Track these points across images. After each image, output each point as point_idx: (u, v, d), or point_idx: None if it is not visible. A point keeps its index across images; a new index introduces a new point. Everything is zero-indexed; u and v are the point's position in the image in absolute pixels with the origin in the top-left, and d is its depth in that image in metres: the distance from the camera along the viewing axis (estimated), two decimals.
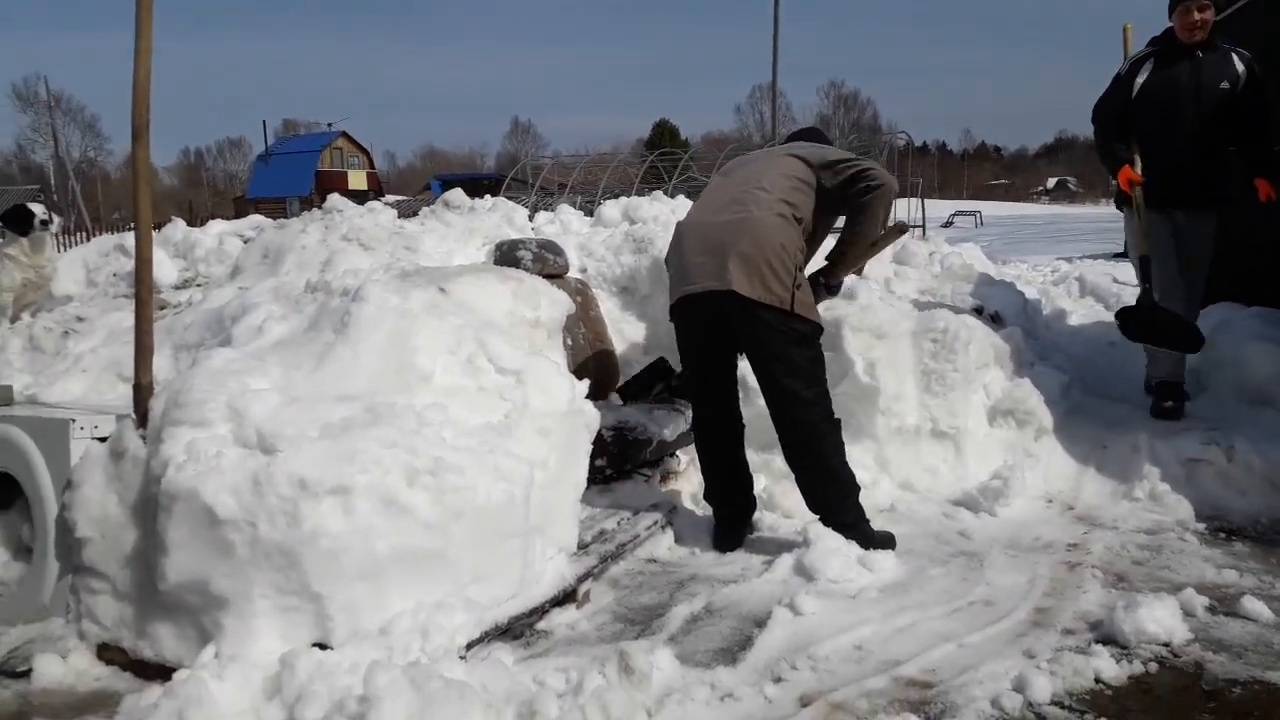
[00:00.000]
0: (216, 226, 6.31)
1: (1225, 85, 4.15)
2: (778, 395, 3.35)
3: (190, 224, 6.74)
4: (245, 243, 5.18)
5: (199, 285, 5.14)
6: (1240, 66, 4.20)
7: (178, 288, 5.18)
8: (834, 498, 3.37)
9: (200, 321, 3.64)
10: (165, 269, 5.20)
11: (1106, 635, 2.61)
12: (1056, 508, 3.90)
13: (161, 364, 3.58)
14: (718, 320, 3.33)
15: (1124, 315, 4.42)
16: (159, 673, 2.44)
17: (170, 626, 2.52)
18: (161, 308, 4.44)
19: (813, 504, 3.42)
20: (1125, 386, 4.98)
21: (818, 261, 3.81)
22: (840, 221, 3.73)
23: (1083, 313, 6.99)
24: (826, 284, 3.77)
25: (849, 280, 4.73)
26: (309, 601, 2.46)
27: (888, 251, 5.80)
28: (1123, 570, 3.13)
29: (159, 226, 7.20)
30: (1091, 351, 5.60)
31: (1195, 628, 2.65)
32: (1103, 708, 2.30)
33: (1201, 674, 2.44)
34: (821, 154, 3.54)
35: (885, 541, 3.36)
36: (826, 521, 3.33)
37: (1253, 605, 2.76)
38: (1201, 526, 3.55)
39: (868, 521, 3.39)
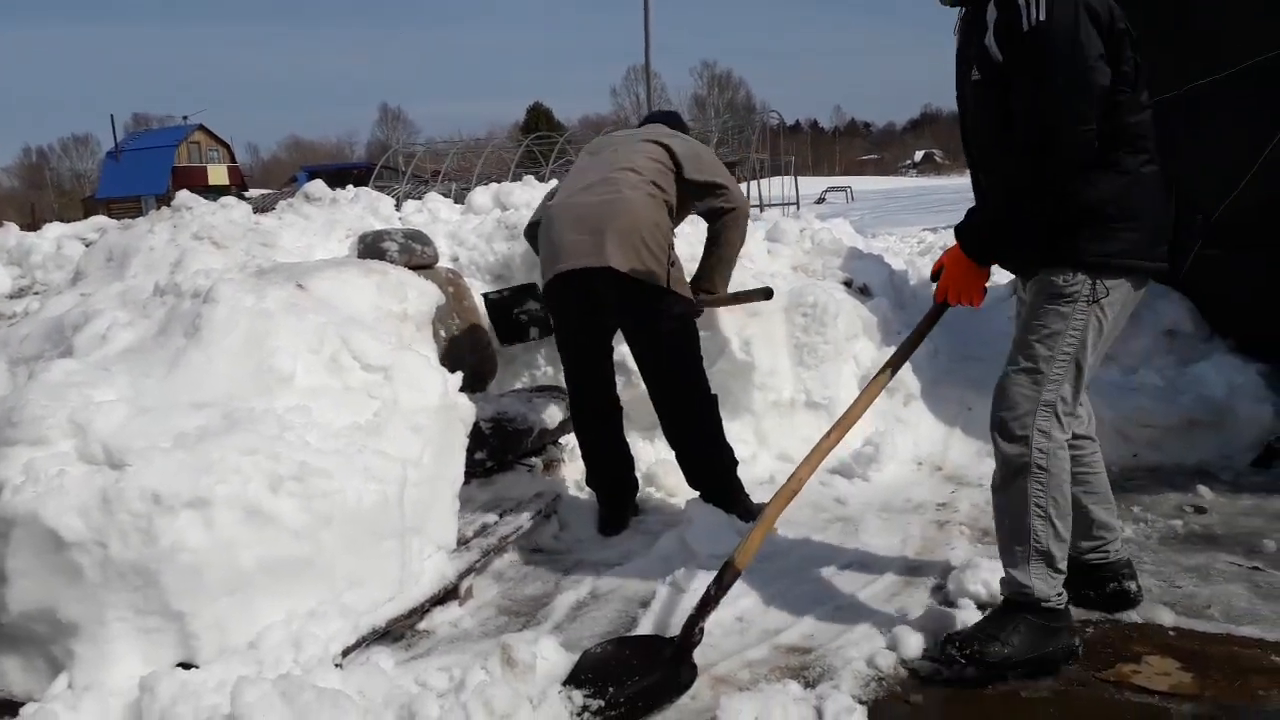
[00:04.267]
0: (54, 230, 5.92)
1: (975, 75, 2.32)
2: (656, 373, 3.37)
3: (33, 227, 6.32)
4: (87, 246, 4.88)
5: (36, 294, 4.82)
6: (991, 21, 2.20)
7: (12, 297, 4.85)
8: (714, 473, 3.41)
9: (38, 332, 3.39)
10: None
11: (967, 591, 2.72)
12: (926, 469, 4.06)
13: None
14: (594, 300, 3.32)
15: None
16: (5, 709, 2.28)
17: (16, 659, 2.35)
18: None
19: (693, 481, 3.46)
20: (986, 349, 5.19)
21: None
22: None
23: None
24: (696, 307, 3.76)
25: None
26: (171, 621, 2.34)
27: (760, 230, 5.91)
28: (987, 525, 3.27)
29: None
30: (956, 317, 5.74)
31: None
32: None
33: None
34: (689, 148, 3.55)
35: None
36: (707, 497, 3.37)
37: None
38: None
39: (748, 495, 3.45)
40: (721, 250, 3.65)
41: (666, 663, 2.34)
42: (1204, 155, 4.48)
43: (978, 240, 2.32)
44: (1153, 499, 3.54)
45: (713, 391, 3.48)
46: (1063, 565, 2.33)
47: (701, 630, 2.40)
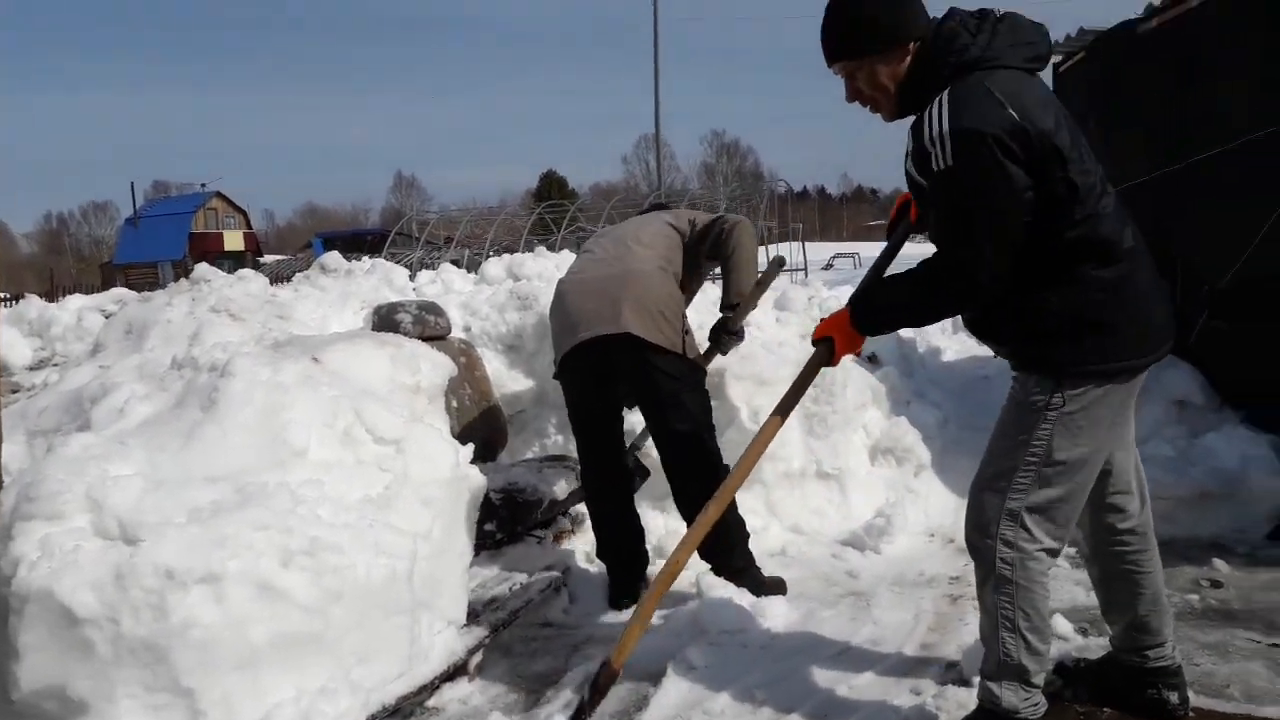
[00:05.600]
0: (75, 302, 6.03)
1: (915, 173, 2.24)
2: (672, 442, 3.38)
3: (51, 294, 6.43)
4: (107, 318, 4.96)
5: (56, 365, 4.89)
6: (910, 147, 2.19)
7: (32, 369, 4.91)
8: (725, 545, 3.39)
9: (57, 404, 3.45)
10: (18, 349, 4.94)
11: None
12: (938, 541, 4.03)
13: (15, 452, 3.38)
14: (608, 368, 3.35)
15: None
16: None
17: None
18: (14, 390, 4.20)
19: (705, 553, 3.44)
20: (995, 418, 5.19)
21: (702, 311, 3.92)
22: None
23: (956, 348, 7.28)
24: (728, 330, 3.76)
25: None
26: (180, 697, 2.32)
27: (770, 298, 5.96)
28: None
29: (15, 300, 6.84)
30: (965, 386, 5.83)
31: (1063, 651, 2.75)
32: None
33: (1070, 695, 2.54)
34: (680, 213, 3.70)
35: (776, 586, 3.40)
36: (718, 571, 3.35)
37: None
38: (1073, 551, 3.70)
39: (759, 568, 3.43)
40: (737, 255, 3.58)
41: None
42: (1208, 227, 4.54)
43: (870, 321, 2.38)
44: (1168, 572, 3.45)
45: (725, 462, 3.48)
46: (1037, 679, 2.25)
47: None
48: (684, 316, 3.44)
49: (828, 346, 2.44)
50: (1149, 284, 2.17)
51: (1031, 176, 2.03)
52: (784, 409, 2.61)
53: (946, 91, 2.05)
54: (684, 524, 3.52)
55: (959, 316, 2.45)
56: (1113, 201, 2.16)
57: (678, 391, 3.33)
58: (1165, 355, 2.24)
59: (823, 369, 2.57)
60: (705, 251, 3.64)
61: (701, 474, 3.38)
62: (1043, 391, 2.15)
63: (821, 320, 2.52)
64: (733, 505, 3.45)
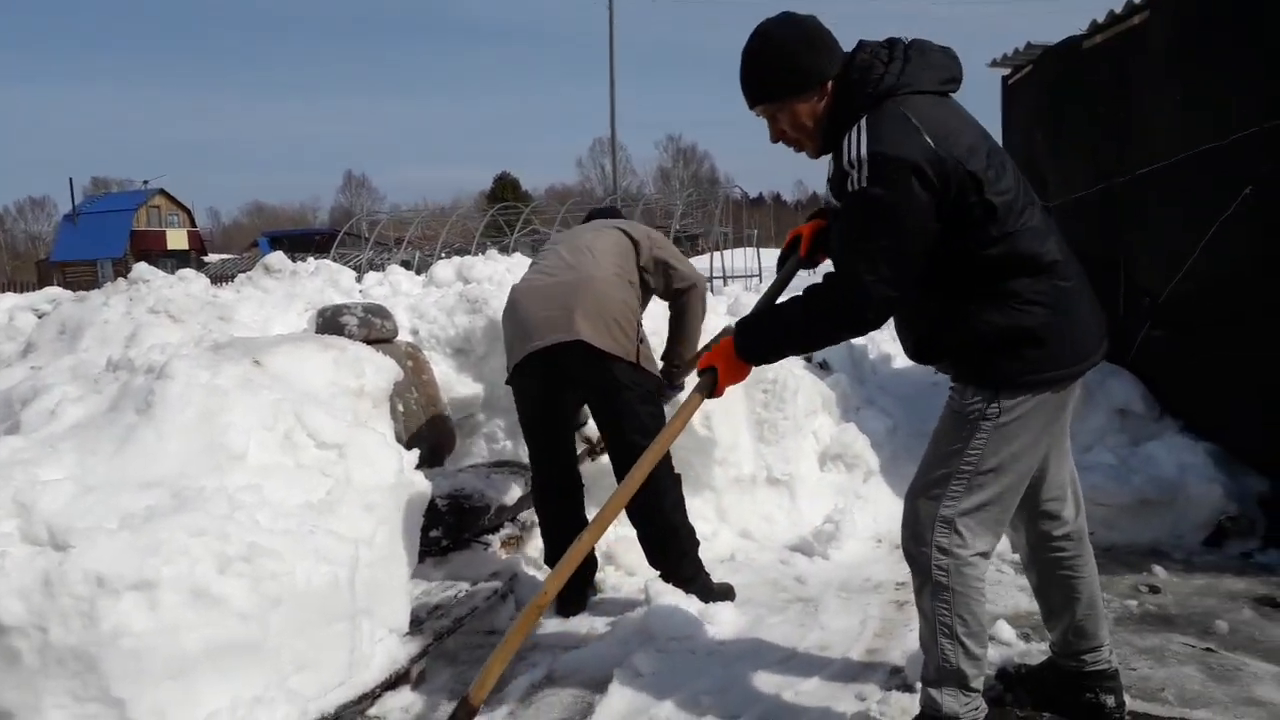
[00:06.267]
0: (7, 301, 5.83)
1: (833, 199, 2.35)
2: (623, 450, 3.36)
3: None
4: (40, 317, 4.81)
5: None
6: (831, 169, 2.28)
7: None
8: (674, 553, 3.39)
9: None
10: None
11: None
12: (885, 547, 4.06)
13: None
14: (561, 377, 3.33)
15: None
16: None
17: None
18: None
19: (653, 559, 3.43)
20: None
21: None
22: None
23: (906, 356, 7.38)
24: (670, 385, 3.81)
25: None
26: (110, 707, 2.25)
27: (722, 305, 5.98)
28: None
29: None
30: (915, 392, 5.89)
31: (1005, 656, 2.78)
32: None
33: (1011, 699, 2.57)
34: (641, 229, 3.66)
35: (725, 593, 3.40)
36: (667, 577, 3.35)
37: None
38: (1016, 557, 3.76)
39: (707, 575, 3.43)
40: (686, 324, 3.74)
41: None
42: (1149, 239, 4.65)
43: (756, 349, 2.32)
44: (1108, 579, 3.56)
45: (676, 470, 3.48)
46: (976, 683, 2.27)
47: None
48: (639, 325, 3.43)
49: (711, 377, 2.38)
50: (1078, 293, 2.21)
51: (944, 203, 2.07)
52: (662, 443, 2.50)
53: (865, 118, 2.10)
54: (633, 531, 3.51)
55: (901, 338, 2.42)
56: (1037, 216, 2.19)
57: (631, 401, 3.32)
58: (1099, 361, 2.28)
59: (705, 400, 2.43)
60: (655, 288, 3.66)
61: (649, 481, 3.37)
62: (980, 401, 2.18)
63: (704, 350, 2.46)
64: (684, 514, 3.44)
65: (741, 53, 2.28)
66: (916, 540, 2.25)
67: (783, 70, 2.22)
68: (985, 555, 2.26)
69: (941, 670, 2.25)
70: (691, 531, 3.45)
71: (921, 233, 2.07)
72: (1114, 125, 4.94)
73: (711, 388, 2.39)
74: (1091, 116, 5.18)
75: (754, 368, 2.39)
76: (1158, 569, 3.63)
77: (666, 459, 3.42)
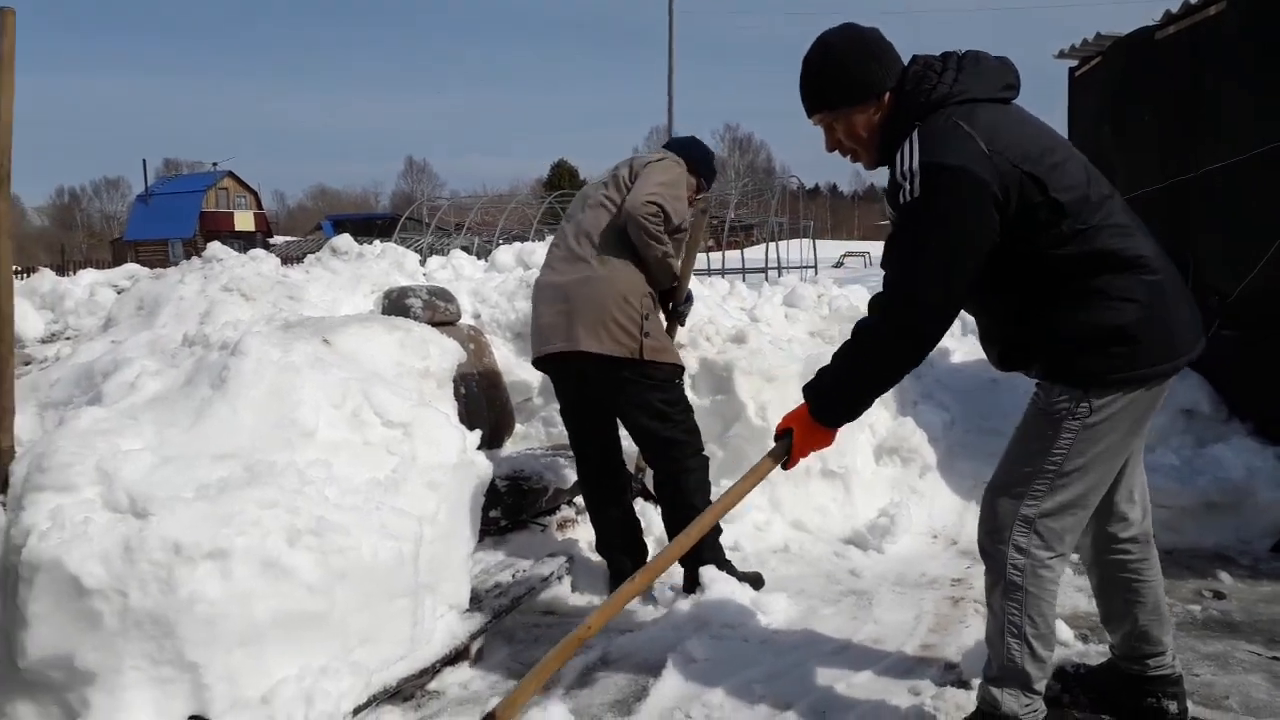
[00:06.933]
0: (88, 277, 6.04)
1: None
2: (640, 438, 3.42)
3: (62, 268, 6.45)
4: (119, 293, 4.98)
5: (68, 339, 4.91)
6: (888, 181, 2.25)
7: (44, 341, 4.93)
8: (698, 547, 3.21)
9: (69, 378, 3.47)
10: (31, 321, 4.95)
11: (980, 670, 2.69)
12: (941, 543, 4.04)
13: (26, 424, 3.40)
14: (577, 378, 3.37)
15: None
16: None
17: (31, 705, 2.35)
18: (26, 363, 4.22)
19: (672, 538, 3.39)
20: (1004, 421, 5.18)
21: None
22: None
23: (965, 350, 7.27)
24: (676, 308, 3.69)
25: (740, 324, 4.84)
26: (185, 671, 2.34)
27: (778, 295, 5.96)
28: None
29: (27, 273, 6.86)
30: (973, 388, 5.82)
31: (1063, 656, 2.74)
32: None
33: (1069, 700, 2.55)
34: (638, 188, 3.31)
35: (752, 581, 3.39)
36: (685, 560, 3.26)
37: None
38: (1075, 558, 3.70)
39: (729, 562, 3.43)
40: (645, 254, 3.33)
41: None
42: (1220, 237, 4.53)
43: (829, 409, 2.24)
44: (1170, 583, 3.47)
45: (703, 453, 3.44)
46: (1039, 685, 2.25)
47: None
48: (644, 317, 3.26)
49: (786, 443, 2.29)
50: (1171, 288, 2.15)
51: (1005, 208, 2.05)
52: (726, 504, 2.42)
53: (917, 129, 2.09)
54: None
55: (986, 350, 2.37)
56: (1118, 212, 2.15)
57: (639, 392, 3.30)
58: (1195, 358, 2.21)
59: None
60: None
61: (666, 465, 3.38)
62: (1069, 400, 2.14)
63: (782, 421, 2.35)
64: (707, 497, 3.37)
65: (802, 61, 2.29)
66: (994, 538, 2.23)
67: (841, 80, 2.23)
68: (1063, 557, 2.22)
69: (1005, 669, 2.23)
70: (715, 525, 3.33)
71: (977, 242, 2.05)
72: (1186, 119, 4.81)
73: (783, 456, 2.32)
74: (1162, 110, 5.05)
75: (835, 430, 2.27)
76: (1223, 574, 3.55)
77: (690, 442, 3.39)
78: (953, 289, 2.07)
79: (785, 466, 2.33)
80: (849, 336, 2.21)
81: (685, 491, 3.37)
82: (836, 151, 2.33)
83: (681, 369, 3.44)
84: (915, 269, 2.08)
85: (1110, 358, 2.10)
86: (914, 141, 2.07)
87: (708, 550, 3.39)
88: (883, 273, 2.21)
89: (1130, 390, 2.13)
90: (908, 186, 2.06)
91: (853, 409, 2.24)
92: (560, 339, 3.27)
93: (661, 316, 3.46)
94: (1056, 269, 2.10)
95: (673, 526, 3.42)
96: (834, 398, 2.23)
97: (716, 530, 3.43)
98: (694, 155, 3.61)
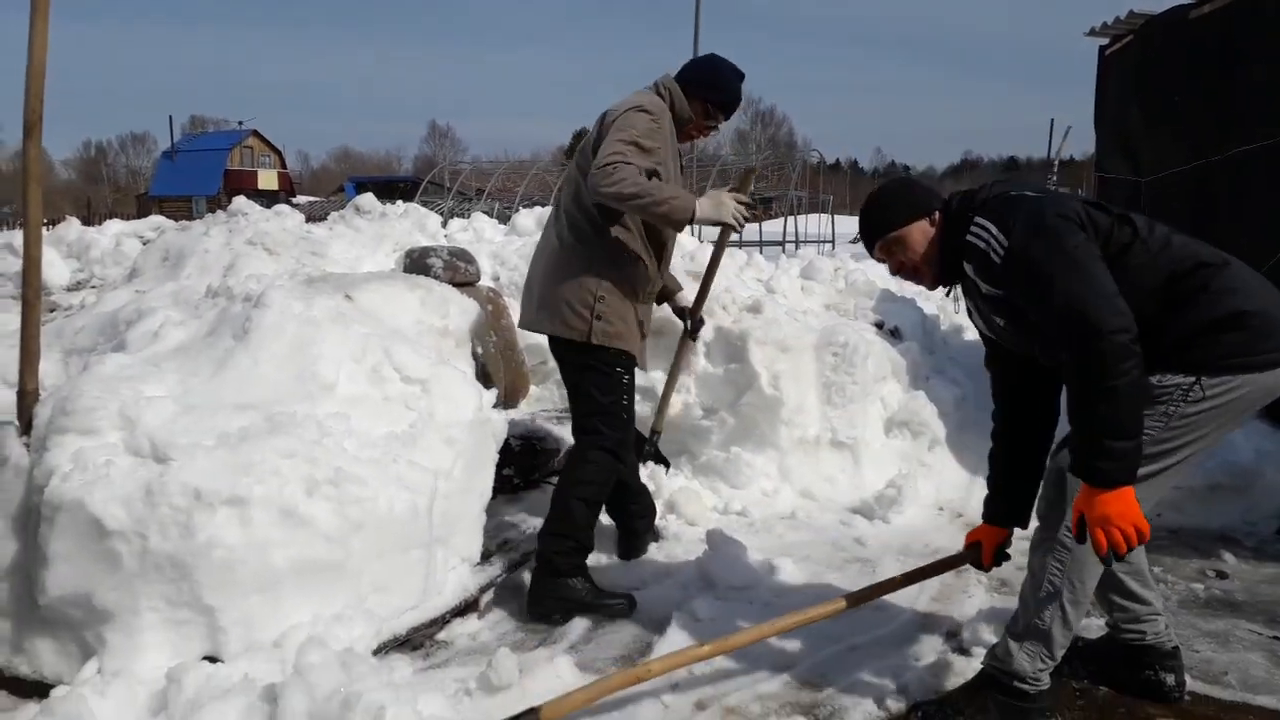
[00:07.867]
0: (114, 227, 6.11)
1: (1000, 321, 2.40)
2: (574, 425, 3.25)
3: (87, 221, 6.52)
4: (144, 244, 5.04)
5: (93, 287, 4.98)
6: (973, 274, 2.33)
7: (70, 289, 5.01)
8: (551, 528, 3.09)
9: (93, 325, 3.53)
10: (57, 269, 5.03)
11: (981, 640, 2.73)
12: (947, 515, 4.06)
13: (50, 369, 3.46)
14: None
15: None
16: (36, 690, 2.36)
17: (50, 642, 2.43)
18: (52, 310, 4.29)
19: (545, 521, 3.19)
20: None
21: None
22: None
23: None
24: (691, 328, 3.78)
25: (756, 294, 4.85)
26: (201, 614, 2.41)
27: (795, 266, 5.96)
28: (1006, 576, 3.28)
29: (53, 224, 6.94)
30: (979, 363, 5.82)
31: None
32: None
33: (1068, 671, 2.58)
34: (603, 150, 2.89)
35: (614, 608, 3.06)
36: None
37: None
38: None
39: (581, 579, 3.08)
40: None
41: None
42: (1248, 219, 4.49)
43: (1123, 470, 2.05)
44: (1174, 561, 3.53)
45: (615, 451, 3.16)
46: (1057, 653, 2.28)
47: None
48: (597, 299, 3.03)
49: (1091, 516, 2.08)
50: (1256, 279, 2.23)
51: (1084, 226, 2.20)
52: (896, 583, 2.62)
53: (976, 217, 2.26)
54: (694, 481, 3.53)
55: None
56: (1175, 237, 2.26)
57: (576, 371, 3.16)
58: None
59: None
60: None
61: (574, 450, 3.24)
62: (1176, 384, 2.14)
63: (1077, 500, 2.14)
64: (586, 496, 3.12)
65: (860, 212, 2.51)
66: (1054, 505, 2.32)
67: (895, 205, 2.45)
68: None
69: (1031, 628, 2.27)
70: (585, 518, 3.10)
71: (1094, 253, 2.14)
72: (1218, 99, 4.76)
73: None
74: (1194, 90, 4.99)
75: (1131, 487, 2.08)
76: (1227, 555, 3.57)
77: (599, 436, 3.13)
78: (1116, 299, 2.06)
79: (1119, 557, 2.11)
80: (1080, 408, 2.08)
81: (571, 477, 3.14)
82: (900, 275, 2.48)
83: (632, 359, 3.16)
84: (1077, 313, 2.04)
85: (1220, 345, 2.14)
86: (984, 223, 2.22)
87: (552, 548, 3.05)
88: (1039, 351, 2.32)
89: (1243, 373, 2.13)
90: (1005, 254, 2.16)
91: (1118, 457, 2.04)
92: (529, 319, 3.23)
93: (635, 305, 3.13)
94: (1146, 289, 2.17)
95: (552, 505, 3.14)
96: (1118, 454, 2.05)
97: (583, 533, 3.10)
98: (689, 77, 3.16)
